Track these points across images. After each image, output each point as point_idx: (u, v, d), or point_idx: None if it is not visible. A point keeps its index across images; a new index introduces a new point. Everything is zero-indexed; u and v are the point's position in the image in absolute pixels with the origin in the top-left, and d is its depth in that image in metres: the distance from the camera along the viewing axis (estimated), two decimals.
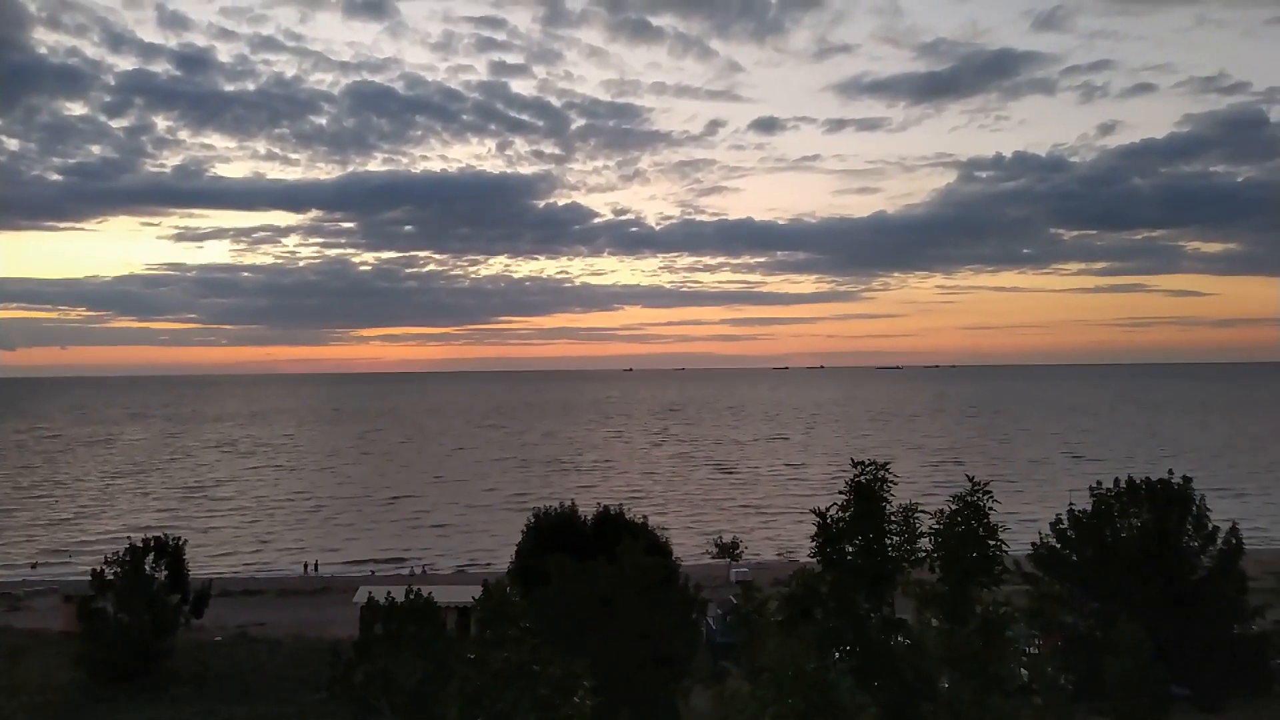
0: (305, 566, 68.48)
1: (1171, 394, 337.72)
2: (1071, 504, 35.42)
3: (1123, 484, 34.09)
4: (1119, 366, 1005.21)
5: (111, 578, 37.98)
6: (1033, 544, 34.80)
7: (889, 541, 12.65)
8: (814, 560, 13.46)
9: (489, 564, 63.90)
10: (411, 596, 30.92)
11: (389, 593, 31.69)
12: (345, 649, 30.81)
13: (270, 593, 58.74)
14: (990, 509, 12.32)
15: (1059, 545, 34.32)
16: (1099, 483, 34.97)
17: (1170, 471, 34.74)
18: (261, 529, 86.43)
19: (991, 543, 12.25)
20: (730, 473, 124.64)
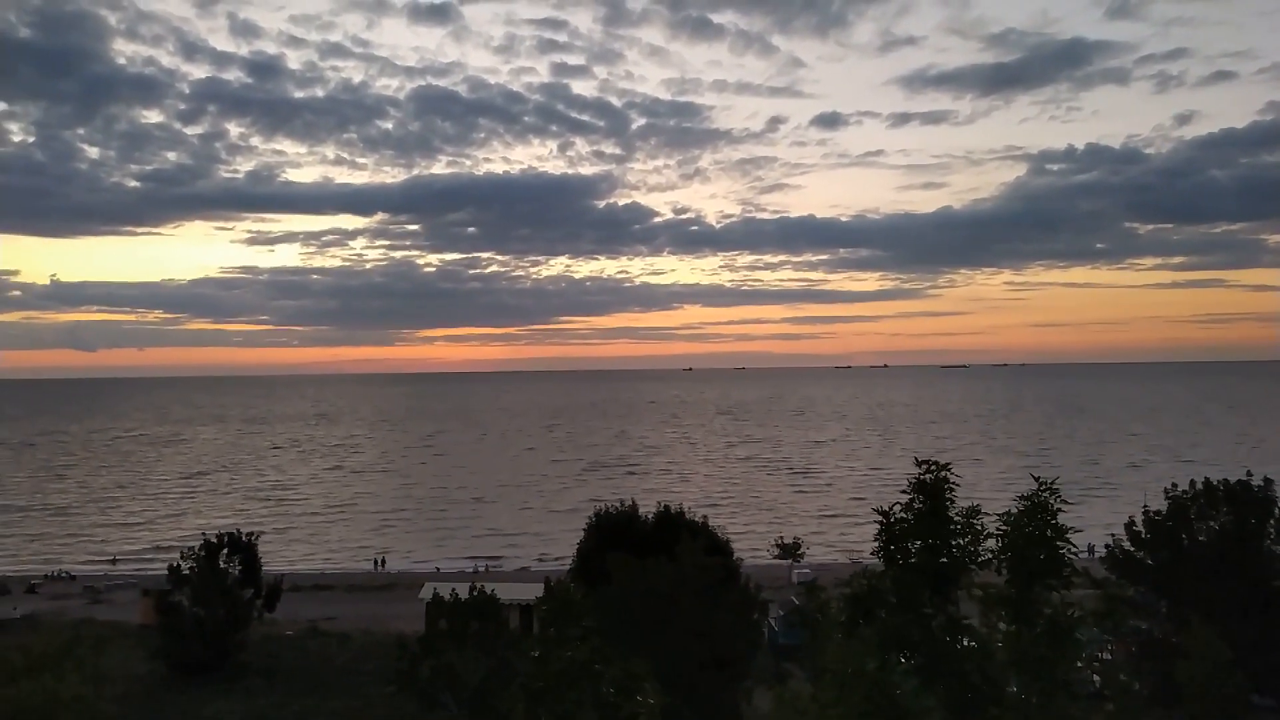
0: (374, 563, 69.89)
1: (1256, 393, 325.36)
2: (1145, 505, 34.43)
3: (1199, 485, 33.02)
4: (1197, 365, 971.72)
5: (188, 572, 39.20)
6: (1105, 546, 33.93)
7: (953, 543, 12.47)
8: (877, 560, 13.34)
9: (553, 562, 64.40)
10: (475, 593, 31.37)
11: (454, 589, 32.17)
12: (411, 643, 31.39)
13: (340, 588, 60.08)
14: (1058, 509, 12.06)
15: (1133, 548, 33.37)
16: (1174, 484, 33.93)
17: (1249, 473, 33.54)
18: (332, 526, 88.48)
19: (1059, 544, 11.99)
20: (795, 473, 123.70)
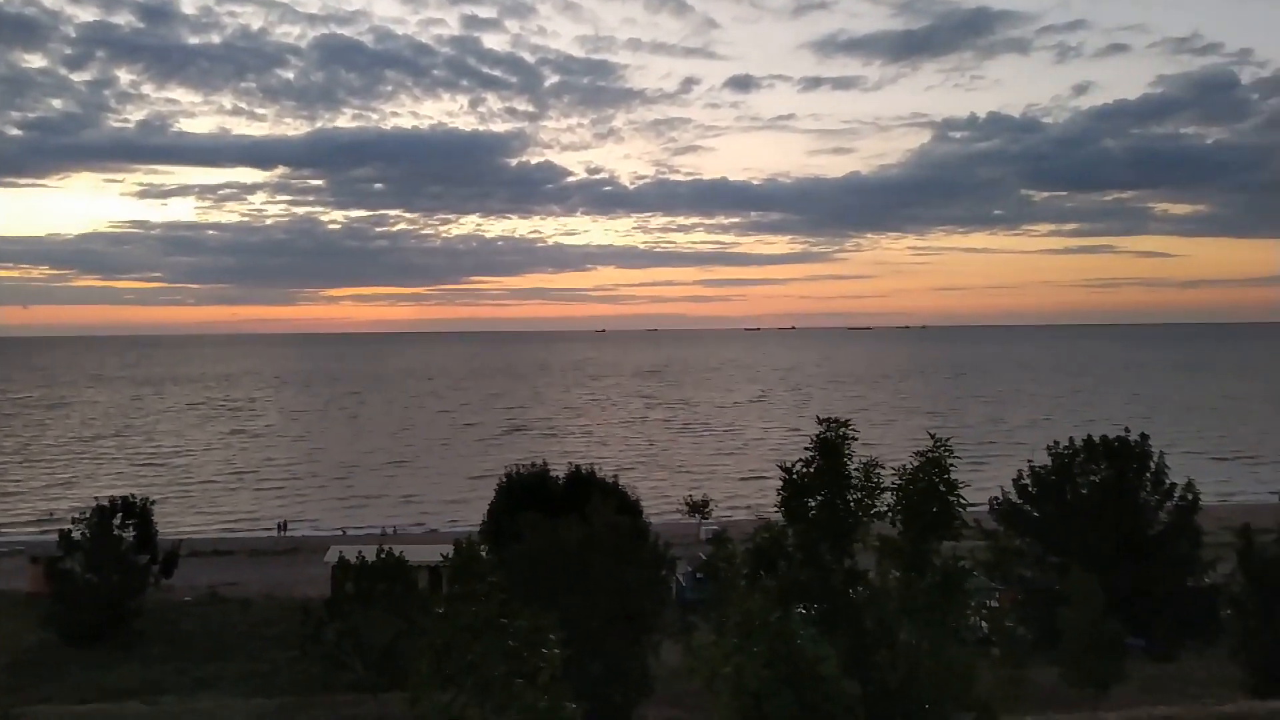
0: (277, 527, 68.44)
1: (1141, 355, 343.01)
2: (1030, 460, 36.19)
3: (1081, 442, 34.84)
4: (1087, 327, 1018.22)
5: (79, 538, 37.80)
6: (993, 499, 35.59)
7: (851, 497, 12.92)
8: (780, 515, 13.73)
9: (462, 524, 64.16)
10: (383, 556, 31.14)
11: (360, 552, 31.88)
12: (316, 608, 31.03)
13: (241, 553, 58.73)
14: (952, 464, 12.60)
15: (1019, 501, 35.08)
16: (1057, 441, 35.71)
17: (1127, 429, 35.51)
18: (231, 491, 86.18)
19: (951, 498, 12.53)
20: (708, 434, 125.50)
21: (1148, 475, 34.21)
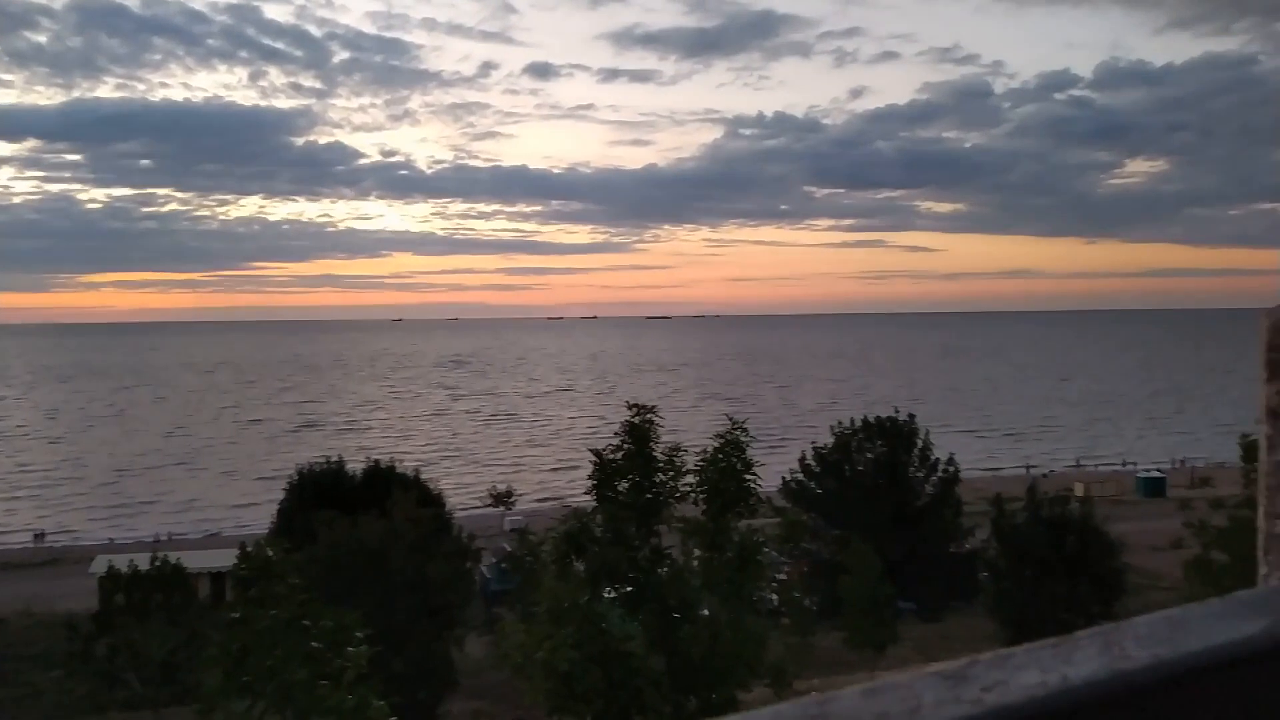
0: (33, 537, 62.16)
1: (910, 341, 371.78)
2: (813, 441, 38.67)
3: (858, 423, 37.59)
4: (862, 315, 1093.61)
5: None
6: (782, 478, 37.77)
7: (657, 479, 13.43)
8: (589, 500, 14.05)
9: (251, 527, 60.73)
10: (158, 564, 29.16)
11: (132, 561, 29.67)
12: (84, 623, 28.62)
13: None
14: (748, 445, 13.35)
15: (805, 479, 37.41)
16: (839, 421, 38.34)
17: (897, 410, 38.62)
18: None
19: (748, 477, 13.29)
20: (515, 423, 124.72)
21: (916, 452, 37.36)
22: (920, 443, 37.43)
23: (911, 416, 38.02)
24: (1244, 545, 23.77)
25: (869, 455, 36.91)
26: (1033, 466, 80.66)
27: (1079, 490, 58.76)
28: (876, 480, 36.08)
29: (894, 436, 36.96)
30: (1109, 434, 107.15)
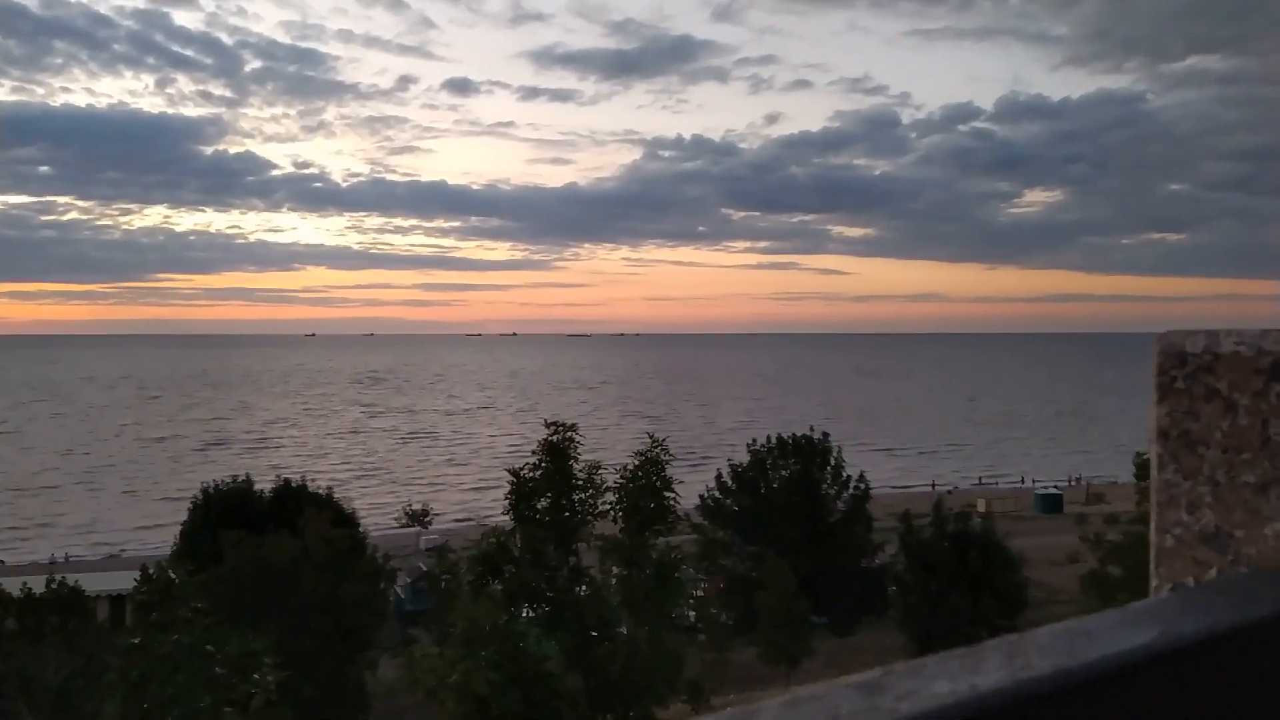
0: None
1: (823, 361, 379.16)
2: (730, 459, 39.11)
3: (773, 440, 38.17)
4: (776, 335, 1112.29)
5: None
6: (700, 495, 38.06)
7: (576, 497, 13.42)
8: (505, 519, 13.94)
9: (153, 548, 58.28)
10: (54, 585, 27.82)
11: (25, 583, 28.23)
12: None
13: None
14: (667, 463, 13.45)
15: (721, 496, 37.77)
16: (754, 439, 38.87)
17: (811, 428, 39.35)
18: None
19: (667, 494, 13.39)
20: (432, 441, 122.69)
21: (829, 469, 38.10)
22: (833, 460, 38.19)
23: (825, 435, 38.77)
24: (1137, 559, 24.91)
25: (784, 473, 37.48)
26: (939, 484, 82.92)
27: (981, 506, 60.55)
28: (791, 497, 36.64)
29: (808, 454, 37.63)
30: (1011, 452, 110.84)
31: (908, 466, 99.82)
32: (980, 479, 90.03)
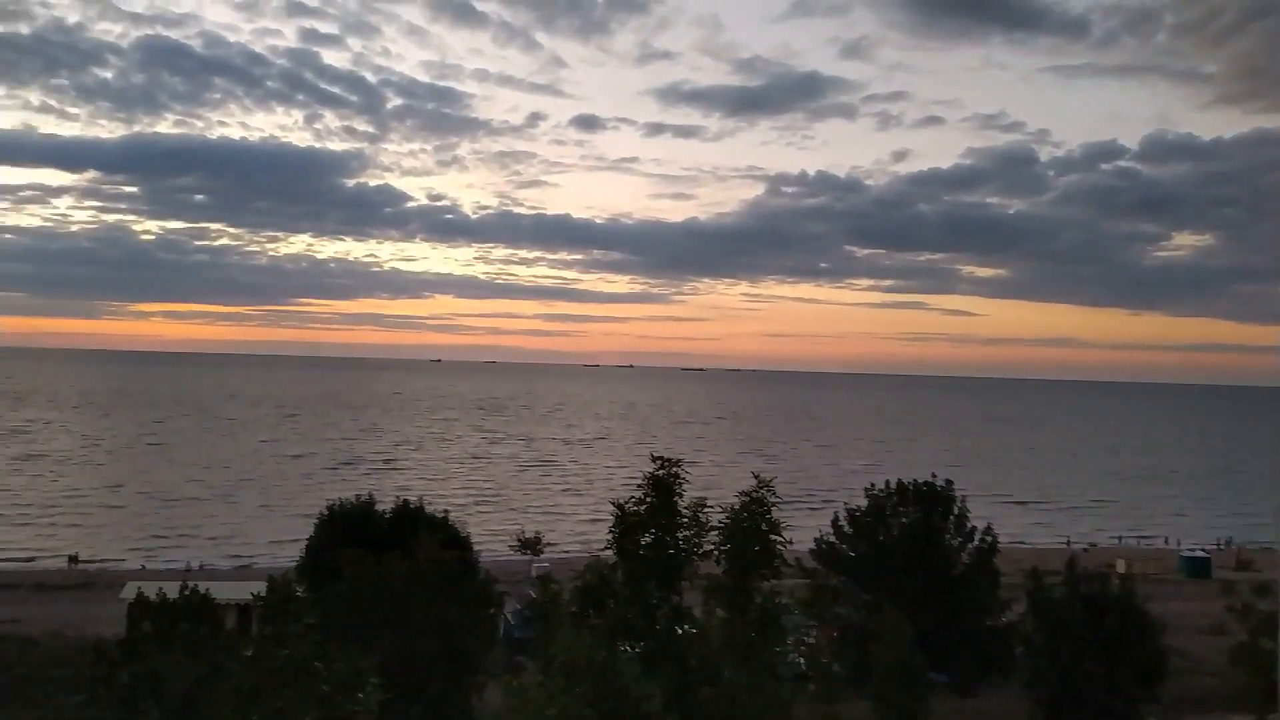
0: (68, 560, 62.89)
1: (951, 406, 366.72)
2: (846, 503, 37.94)
3: (893, 486, 36.82)
4: (900, 377, 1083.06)
5: None
6: (814, 539, 37.02)
7: (680, 535, 13.14)
8: (609, 552, 13.78)
9: (282, 560, 60.87)
10: (187, 592, 29.15)
11: (161, 589, 29.70)
12: (109, 648, 28.61)
13: (25, 587, 53.55)
14: (773, 504, 13.03)
15: (837, 541, 36.63)
16: (872, 484, 37.61)
17: (934, 474, 37.82)
18: (16, 519, 78.53)
19: (773, 537, 12.96)
20: (548, 469, 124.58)
21: (951, 519, 36.46)
22: (957, 509, 36.55)
23: (949, 482, 37.18)
24: None
25: (903, 520, 36.08)
26: (1076, 541, 78.59)
27: (1120, 567, 57.11)
28: (911, 546, 35.20)
29: (930, 502, 36.13)
30: (1156, 510, 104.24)
31: (1042, 520, 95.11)
32: (1121, 537, 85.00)
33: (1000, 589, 36.88)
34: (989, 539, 36.63)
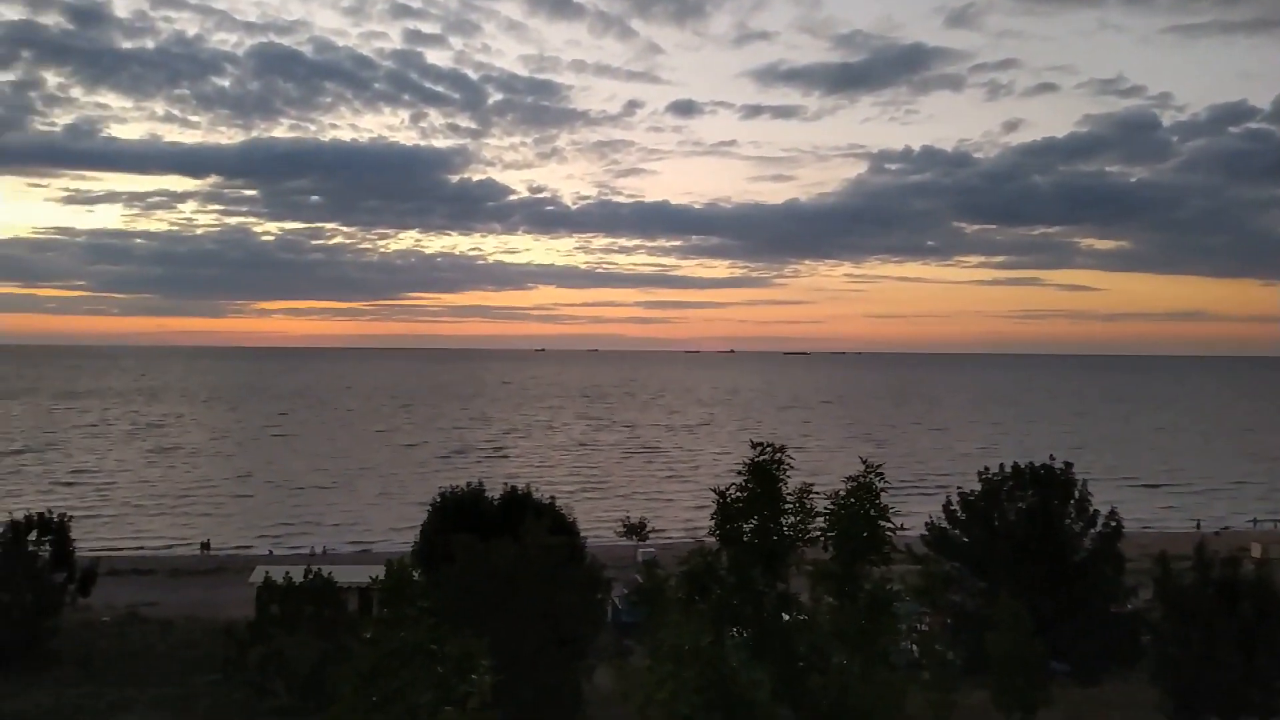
0: (200, 546, 66.48)
1: (1069, 385, 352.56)
2: (959, 487, 36.81)
3: (1009, 469, 35.52)
4: (1014, 357, 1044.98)
5: None
6: (926, 525, 36.08)
7: (784, 521, 12.97)
8: (714, 539, 13.71)
9: (399, 545, 62.94)
10: (311, 576, 30.38)
11: (287, 573, 31.04)
12: (240, 630, 30.11)
13: (162, 572, 56.85)
14: (882, 490, 12.73)
15: (949, 526, 35.62)
16: (986, 467, 36.38)
17: (1052, 457, 36.33)
18: (154, 509, 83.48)
19: (882, 523, 12.67)
20: (652, 456, 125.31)
21: (1072, 503, 34.99)
22: (1077, 493, 35.04)
23: (1068, 465, 35.66)
24: None
25: (1020, 505, 34.79)
26: (1205, 524, 74.71)
27: (1256, 551, 53.99)
28: (1028, 531, 33.92)
29: (1048, 485, 34.72)
30: None
31: (1172, 504, 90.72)
32: (1256, 520, 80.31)
33: (1125, 575, 35.26)
34: (1113, 523, 35.01)
